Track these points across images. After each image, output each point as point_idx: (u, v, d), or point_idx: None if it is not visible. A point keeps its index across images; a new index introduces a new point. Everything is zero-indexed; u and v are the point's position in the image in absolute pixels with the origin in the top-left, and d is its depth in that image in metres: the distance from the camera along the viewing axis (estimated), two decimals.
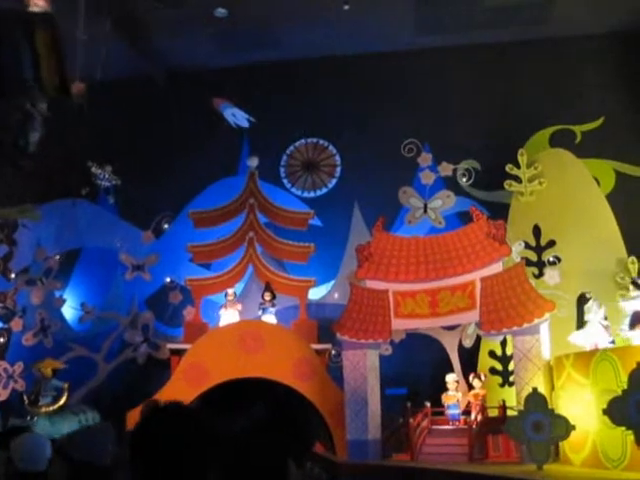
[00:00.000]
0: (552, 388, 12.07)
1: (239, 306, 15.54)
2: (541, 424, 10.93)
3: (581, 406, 11.15)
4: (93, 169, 16.64)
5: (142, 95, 17.67)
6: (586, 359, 11.13)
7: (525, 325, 11.99)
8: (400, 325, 13.15)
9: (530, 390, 11.37)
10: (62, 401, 12.55)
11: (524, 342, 12.03)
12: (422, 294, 12.96)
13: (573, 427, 10.66)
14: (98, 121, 16.67)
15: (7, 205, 17.48)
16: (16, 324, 16.95)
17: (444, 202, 15.62)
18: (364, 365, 13.15)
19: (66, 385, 12.71)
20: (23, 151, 11.40)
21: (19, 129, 11.28)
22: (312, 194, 17.67)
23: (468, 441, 12.44)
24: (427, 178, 15.86)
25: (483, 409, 13.09)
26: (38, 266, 17.44)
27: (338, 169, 17.67)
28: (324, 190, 17.68)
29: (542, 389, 11.47)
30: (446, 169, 15.87)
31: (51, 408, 12.33)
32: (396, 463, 12.79)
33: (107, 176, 16.84)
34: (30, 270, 17.50)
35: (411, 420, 12.95)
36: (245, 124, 17.13)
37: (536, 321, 11.95)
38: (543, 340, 12.13)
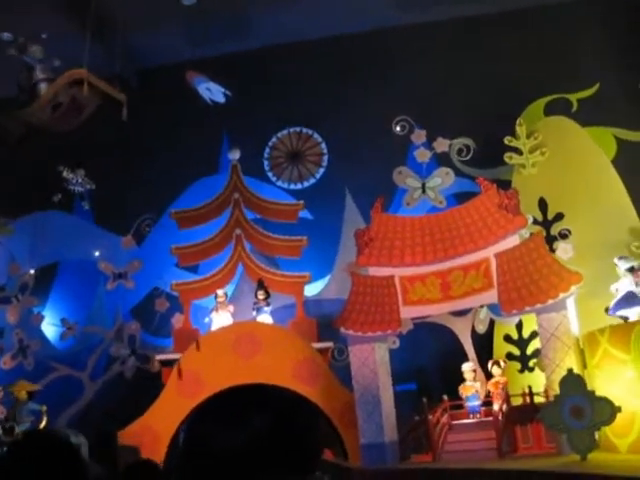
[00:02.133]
0: (584, 368, 10.47)
1: (231, 307, 13.87)
2: (581, 409, 9.36)
3: (622, 385, 9.66)
4: (65, 174, 14.89)
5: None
6: (625, 332, 9.63)
7: (550, 301, 10.41)
8: (410, 313, 11.53)
9: (563, 372, 9.79)
10: (42, 425, 10.70)
11: (550, 320, 10.44)
12: (432, 277, 11.33)
13: (619, 409, 9.06)
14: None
15: None
16: None
17: (443, 180, 14.02)
18: (373, 360, 11.50)
19: (44, 408, 10.86)
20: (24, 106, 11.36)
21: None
22: (299, 186, 16.07)
23: (495, 434, 10.85)
24: (422, 156, 14.26)
25: (507, 398, 11.45)
26: (13, 283, 15.69)
27: (325, 158, 16.07)
28: (312, 181, 16.08)
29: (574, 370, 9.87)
30: (442, 145, 14.29)
31: None
32: (418, 465, 11.14)
33: (80, 180, 15.11)
34: (4, 288, 15.73)
35: (430, 417, 11.28)
36: (221, 99, 15.41)
37: (561, 296, 10.38)
38: (571, 316, 10.52)
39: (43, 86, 11.43)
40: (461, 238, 11.21)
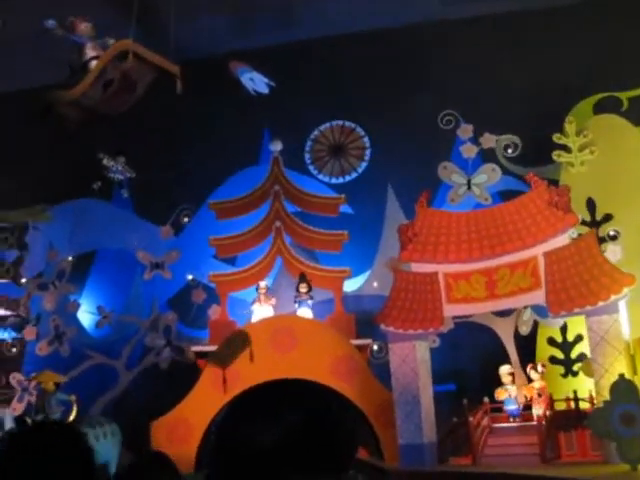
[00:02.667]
0: (634, 374, 9.97)
1: (273, 300, 13.50)
2: (632, 416, 8.91)
3: None
4: (105, 161, 14.63)
5: (156, 83, 15.71)
6: None
7: (600, 303, 9.88)
8: (453, 311, 11.06)
9: (612, 378, 9.31)
10: (72, 415, 10.39)
11: (600, 323, 9.92)
12: (477, 275, 10.86)
13: None
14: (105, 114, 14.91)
15: (16, 207, 15.62)
16: (29, 332, 15.00)
17: (489, 177, 13.49)
18: (414, 358, 11.06)
19: (74, 397, 10.53)
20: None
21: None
22: (341, 180, 15.65)
23: (539, 439, 10.38)
24: (469, 151, 13.74)
25: (551, 403, 10.96)
26: (50, 269, 15.50)
27: (368, 152, 15.64)
28: (354, 175, 15.65)
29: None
30: (489, 140, 13.76)
31: None
32: (457, 468, 10.71)
33: (120, 168, 14.85)
34: (42, 274, 15.53)
35: (470, 419, 10.82)
36: (265, 90, 15.07)
37: (613, 298, 9.86)
38: (622, 320, 10.01)
39: (94, 64, 10.93)
40: (509, 235, 10.73)
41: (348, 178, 15.65)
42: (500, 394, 11.52)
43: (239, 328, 11.63)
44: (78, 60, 10.93)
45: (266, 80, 15.43)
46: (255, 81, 15.48)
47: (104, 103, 11.12)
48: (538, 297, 10.45)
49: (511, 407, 11.40)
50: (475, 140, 13.94)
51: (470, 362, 13.31)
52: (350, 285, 14.33)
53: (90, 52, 11.00)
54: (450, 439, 11.45)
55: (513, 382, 11.65)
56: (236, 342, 11.78)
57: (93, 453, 2.77)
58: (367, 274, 14.61)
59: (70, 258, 15.38)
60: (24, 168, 15.79)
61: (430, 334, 11.33)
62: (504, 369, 11.73)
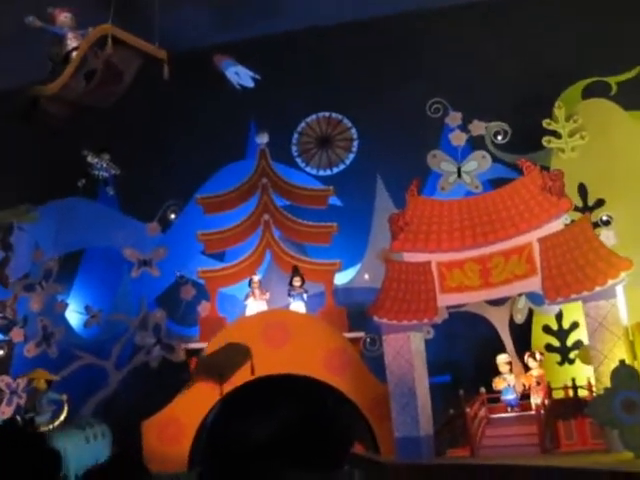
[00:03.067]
0: (634, 359, 9.71)
1: (267, 295, 13.18)
2: (634, 403, 8.62)
3: None
4: (89, 158, 14.25)
5: (139, 77, 15.35)
6: None
7: (597, 288, 9.59)
8: (447, 301, 10.76)
9: (612, 364, 9.05)
10: (63, 415, 10.03)
11: (598, 308, 9.64)
12: (471, 263, 10.57)
13: None
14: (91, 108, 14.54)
15: (1, 208, 15.24)
16: (17, 334, 14.64)
17: (480, 164, 13.22)
18: (408, 350, 10.76)
19: (65, 397, 10.14)
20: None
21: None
22: (329, 172, 15.34)
23: (538, 429, 10.11)
24: (458, 139, 13.46)
25: (549, 391, 10.69)
26: (37, 270, 15.13)
27: (355, 143, 15.33)
28: (341, 167, 15.34)
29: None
30: (478, 127, 13.47)
31: (51, 426, 9.78)
32: (455, 460, 10.41)
33: (105, 165, 14.47)
34: (29, 275, 15.16)
35: (467, 410, 10.54)
36: (250, 83, 14.78)
37: (610, 283, 9.56)
38: (620, 305, 9.73)
39: (75, 54, 10.39)
40: (502, 222, 10.44)
41: (336, 170, 15.34)
42: (498, 383, 11.26)
43: (240, 343, 11.17)
44: (59, 52, 10.40)
45: (251, 73, 15.15)
46: (240, 75, 15.18)
47: (89, 95, 10.56)
48: (534, 284, 10.16)
49: (509, 397, 11.14)
50: (464, 127, 13.65)
51: (465, 352, 13.06)
52: (340, 278, 14.04)
53: (71, 43, 10.46)
54: (447, 431, 11.16)
55: (511, 371, 11.37)
56: (236, 356, 11.39)
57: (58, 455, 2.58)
58: (358, 266, 14.32)
59: (57, 258, 15.00)
60: (7, 168, 15.44)
61: (424, 325, 11.03)
62: (501, 358, 11.48)
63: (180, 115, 15.23)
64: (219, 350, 11.44)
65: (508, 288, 10.46)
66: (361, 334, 12.98)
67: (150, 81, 15.06)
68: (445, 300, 10.74)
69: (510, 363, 11.48)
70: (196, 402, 11.86)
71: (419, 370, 10.86)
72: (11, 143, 15.38)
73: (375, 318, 11.00)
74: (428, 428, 10.79)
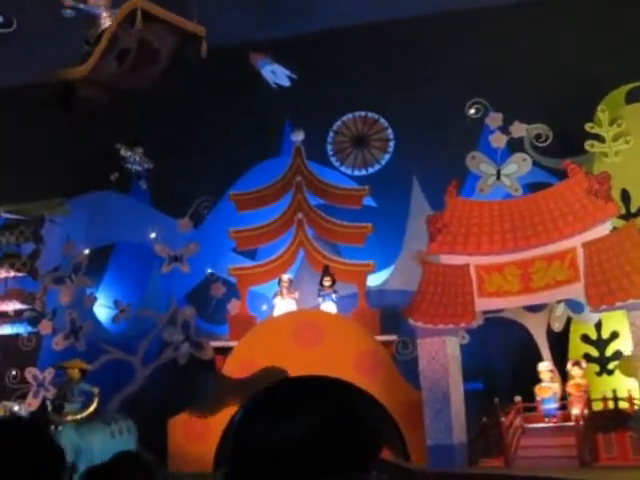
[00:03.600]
0: None
1: (296, 294, 12.83)
2: None
3: None
4: (122, 152, 13.98)
5: (176, 73, 15.10)
6: None
7: None
8: (485, 305, 10.37)
9: None
10: (92, 408, 9.72)
11: None
12: (511, 267, 10.17)
13: None
14: (126, 101, 14.30)
15: (33, 200, 15.02)
16: (45, 327, 14.40)
17: (520, 167, 12.79)
18: (444, 354, 10.39)
19: (97, 390, 9.82)
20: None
21: None
22: (364, 172, 14.97)
23: (576, 441, 9.66)
24: (498, 141, 13.02)
25: (589, 402, 10.24)
26: (67, 262, 14.88)
27: (391, 143, 14.95)
28: (377, 167, 14.98)
29: None
30: (519, 129, 13.01)
31: (79, 416, 9.47)
32: (488, 470, 9.98)
33: (138, 159, 14.21)
34: (59, 268, 14.93)
35: (503, 419, 10.12)
36: (286, 82, 14.47)
37: None
38: None
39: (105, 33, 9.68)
40: (545, 225, 10.03)
41: (371, 170, 14.99)
42: (543, 392, 10.79)
43: (277, 368, 10.69)
44: (94, 33, 9.81)
45: (288, 72, 14.84)
46: (276, 74, 14.89)
47: (123, 77, 9.93)
48: (576, 290, 9.74)
49: (550, 406, 10.68)
50: (505, 129, 13.21)
51: (499, 359, 12.64)
52: (373, 280, 13.66)
53: (105, 22, 9.74)
54: (481, 440, 10.76)
55: (552, 379, 10.90)
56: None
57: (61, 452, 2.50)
58: (391, 268, 13.93)
59: (87, 251, 14.76)
60: (40, 160, 15.27)
61: (461, 329, 10.62)
62: (544, 366, 11.03)
63: (215, 111, 14.92)
64: (254, 376, 11.13)
65: (549, 294, 10.06)
66: (393, 337, 12.59)
67: (185, 76, 14.97)
68: (483, 304, 10.34)
69: (552, 371, 11.00)
70: (224, 400, 11.54)
71: (454, 376, 10.48)
72: (44, 135, 15.22)
73: (410, 321, 10.64)
74: (461, 436, 10.40)
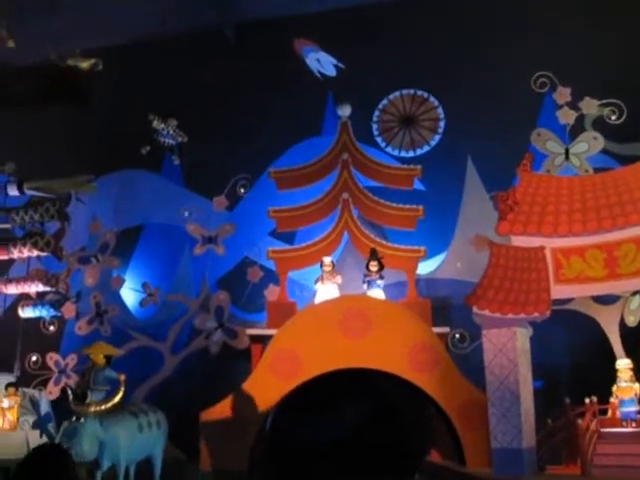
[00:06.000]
0: None
1: (338, 278, 11.44)
2: None
3: None
4: (155, 123, 12.65)
5: (214, 47, 13.86)
6: None
7: None
8: (563, 293, 8.98)
9: None
10: (117, 398, 8.37)
11: None
12: (594, 250, 8.75)
13: None
14: (163, 72, 13.07)
15: (59, 177, 13.70)
16: (69, 310, 13.17)
17: (590, 146, 11.33)
18: (513, 348, 8.97)
19: (123, 377, 8.48)
20: None
21: None
22: (411, 153, 13.58)
23: None
24: (566, 117, 11.59)
25: None
26: (93, 242, 13.63)
27: (441, 123, 13.54)
28: (426, 148, 13.59)
29: None
30: (590, 106, 11.53)
31: (103, 406, 8.14)
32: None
33: (171, 132, 12.88)
34: (84, 247, 13.64)
35: (579, 421, 8.69)
36: (332, 72, 13.27)
37: None
38: None
39: None
40: (634, 204, 8.60)
41: (419, 152, 13.59)
42: (623, 392, 9.34)
43: None
44: None
45: (333, 61, 13.54)
46: (321, 62, 13.69)
47: None
48: None
49: (630, 409, 9.22)
50: (574, 105, 11.74)
51: (562, 356, 11.19)
52: (422, 268, 12.24)
53: None
54: (547, 444, 9.34)
55: (632, 379, 9.44)
56: None
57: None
58: (442, 255, 12.54)
59: (114, 230, 13.45)
60: (67, 135, 14.07)
61: (535, 319, 9.13)
62: (623, 363, 9.60)
63: (256, 85, 13.67)
64: None
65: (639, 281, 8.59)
66: (446, 329, 11.16)
67: (224, 47, 13.69)
68: (560, 292, 8.93)
69: (632, 369, 9.53)
70: (261, 393, 10.18)
71: (524, 372, 9.06)
72: (72, 109, 14.01)
73: (475, 309, 9.17)
74: (531, 439, 8.99)
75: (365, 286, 11.29)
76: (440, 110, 13.65)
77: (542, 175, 9.81)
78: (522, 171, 9.44)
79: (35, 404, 11.49)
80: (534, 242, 9.03)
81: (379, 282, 11.17)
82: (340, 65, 13.38)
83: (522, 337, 9.12)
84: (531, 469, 8.83)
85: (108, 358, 8.98)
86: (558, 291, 8.87)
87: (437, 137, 13.53)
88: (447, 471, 10.20)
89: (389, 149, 13.65)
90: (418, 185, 12.70)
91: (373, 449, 11.38)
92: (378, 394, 11.54)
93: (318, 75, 13.51)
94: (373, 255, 11.30)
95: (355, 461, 11.14)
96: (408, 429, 11.39)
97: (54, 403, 12.27)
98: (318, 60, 13.39)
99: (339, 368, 10.07)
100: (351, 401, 11.53)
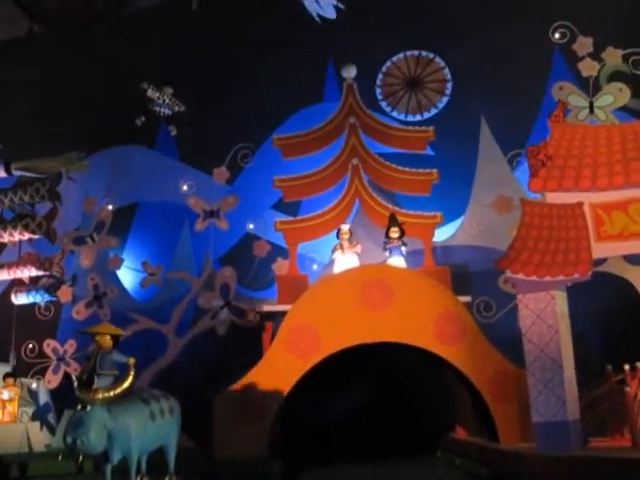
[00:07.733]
0: None
1: (358, 247, 10.51)
2: None
3: None
4: (149, 92, 11.64)
5: (208, 11, 12.85)
6: None
7: None
8: (605, 251, 8.07)
9: None
10: (127, 383, 7.44)
11: None
12: (638, 204, 7.82)
13: None
14: (156, 39, 12.06)
15: (49, 155, 12.68)
16: (65, 294, 12.22)
17: (616, 98, 10.44)
18: (552, 313, 8.08)
19: (132, 360, 7.54)
20: None
21: None
22: (418, 117, 12.68)
23: None
24: (589, 69, 10.69)
25: None
26: (88, 221, 12.61)
27: (449, 85, 12.63)
28: (433, 111, 12.68)
29: None
30: (613, 56, 10.64)
31: (111, 393, 7.21)
32: (615, 453, 7.66)
33: (167, 101, 11.89)
34: (79, 227, 12.66)
35: (627, 389, 7.86)
36: (332, 14, 12.28)
37: None
38: None
39: None
40: None
41: (427, 115, 12.68)
42: None
43: None
44: None
45: (333, 1, 12.48)
46: (321, 4, 12.54)
47: None
48: None
49: None
50: (596, 55, 10.85)
51: (594, 322, 10.34)
52: (437, 235, 11.37)
53: None
54: (590, 415, 8.52)
55: None
56: None
57: None
58: (458, 221, 11.66)
59: (110, 207, 12.45)
60: (56, 110, 13.03)
61: (575, 281, 8.22)
62: None
63: (252, 49, 12.67)
64: None
65: None
66: (467, 298, 10.28)
67: (220, 11, 12.67)
68: (602, 250, 8.02)
69: None
70: (278, 374, 9.29)
71: (564, 338, 8.18)
72: (61, 82, 12.99)
73: (508, 273, 8.25)
74: (575, 410, 8.12)
75: (387, 253, 10.41)
76: (447, 71, 12.75)
77: (577, 125, 8.92)
78: (554, 122, 8.52)
79: (33, 394, 10.56)
80: (570, 198, 8.13)
81: (402, 249, 10.30)
82: (340, 6, 12.34)
83: (561, 301, 8.23)
84: (577, 443, 7.99)
85: (115, 339, 7.99)
86: (599, 249, 7.98)
87: (445, 99, 12.64)
88: (472, 447, 9.41)
89: (394, 113, 12.76)
90: (427, 150, 11.82)
91: (387, 428, 10.61)
92: (392, 373, 10.76)
93: (317, 19, 12.49)
94: (393, 221, 10.43)
95: (367, 441, 10.39)
96: (422, 409, 10.60)
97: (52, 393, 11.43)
98: (317, 1, 12.36)
99: (363, 342, 9.26)
100: (365, 381, 10.76)
